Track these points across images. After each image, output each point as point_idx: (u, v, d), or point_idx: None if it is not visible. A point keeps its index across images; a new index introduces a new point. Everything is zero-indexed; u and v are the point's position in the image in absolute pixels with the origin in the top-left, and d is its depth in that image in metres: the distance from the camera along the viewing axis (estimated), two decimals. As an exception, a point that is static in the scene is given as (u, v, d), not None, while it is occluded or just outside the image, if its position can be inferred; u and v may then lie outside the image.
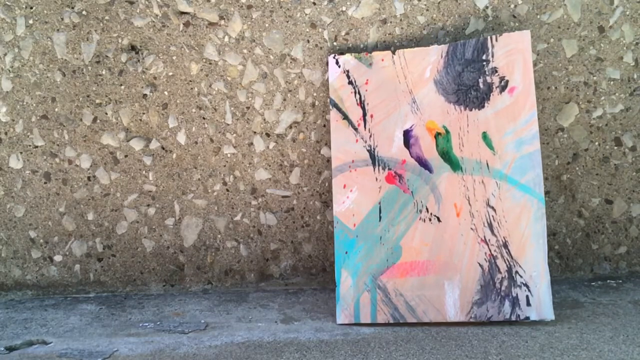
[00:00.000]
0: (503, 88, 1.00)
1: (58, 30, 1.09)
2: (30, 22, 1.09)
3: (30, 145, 1.12)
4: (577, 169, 1.15)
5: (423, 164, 1.03)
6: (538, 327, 0.94)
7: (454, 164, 1.01)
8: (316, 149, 1.13)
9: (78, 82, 1.10)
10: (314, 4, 1.09)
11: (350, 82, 1.07)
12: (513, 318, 0.94)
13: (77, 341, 0.94)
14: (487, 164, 1.00)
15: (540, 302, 0.94)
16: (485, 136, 1.00)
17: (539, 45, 1.11)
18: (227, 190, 1.14)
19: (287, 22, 1.09)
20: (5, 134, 1.12)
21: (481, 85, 1.01)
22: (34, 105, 1.11)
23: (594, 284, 1.13)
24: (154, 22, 1.09)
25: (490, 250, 0.97)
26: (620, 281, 1.14)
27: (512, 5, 1.09)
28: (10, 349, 0.92)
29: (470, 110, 1.02)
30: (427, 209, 1.01)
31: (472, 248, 0.98)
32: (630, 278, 1.15)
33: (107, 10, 1.08)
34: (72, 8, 1.08)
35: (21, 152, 1.12)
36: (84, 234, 1.14)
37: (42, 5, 1.08)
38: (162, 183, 1.13)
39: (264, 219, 1.15)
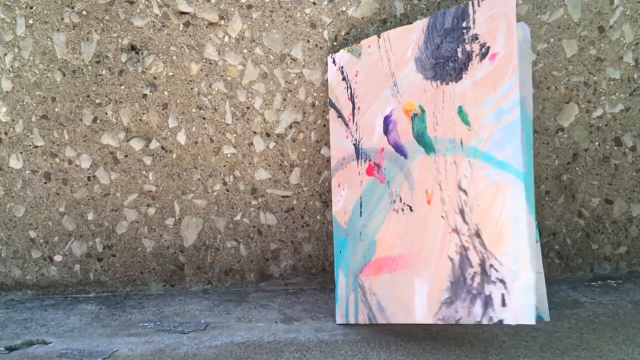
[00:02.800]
0: (484, 55, 0.85)
1: (58, 30, 1.09)
2: (30, 22, 1.09)
3: (30, 145, 1.12)
4: (577, 169, 1.15)
5: (399, 149, 0.92)
6: (538, 327, 0.94)
7: (427, 146, 0.89)
8: (316, 149, 1.13)
9: (78, 82, 1.10)
10: (314, 4, 1.09)
11: (343, 78, 1.04)
12: (485, 321, 0.77)
13: (77, 341, 0.94)
14: (461, 141, 0.84)
15: (518, 302, 0.75)
16: (460, 110, 0.85)
17: (539, 45, 1.10)
18: (227, 190, 1.14)
19: (287, 22, 1.09)
20: (5, 134, 1.12)
21: (459, 55, 0.87)
22: (34, 105, 1.11)
23: (594, 284, 1.13)
24: (154, 22, 1.09)
25: (461, 241, 0.81)
26: (620, 281, 1.14)
27: (512, 5, 1.09)
28: (10, 349, 0.92)
29: (447, 84, 0.88)
30: (400, 198, 0.90)
31: (442, 239, 0.83)
32: (630, 278, 1.15)
33: (107, 10, 1.08)
34: (72, 8, 1.08)
35: (21, 152, 1.12)
36: (84, 234, 1.14)
37: (42, 5, 1.08)
38: (162, 183, 1.13)
39: (264, 219, 1.15)
